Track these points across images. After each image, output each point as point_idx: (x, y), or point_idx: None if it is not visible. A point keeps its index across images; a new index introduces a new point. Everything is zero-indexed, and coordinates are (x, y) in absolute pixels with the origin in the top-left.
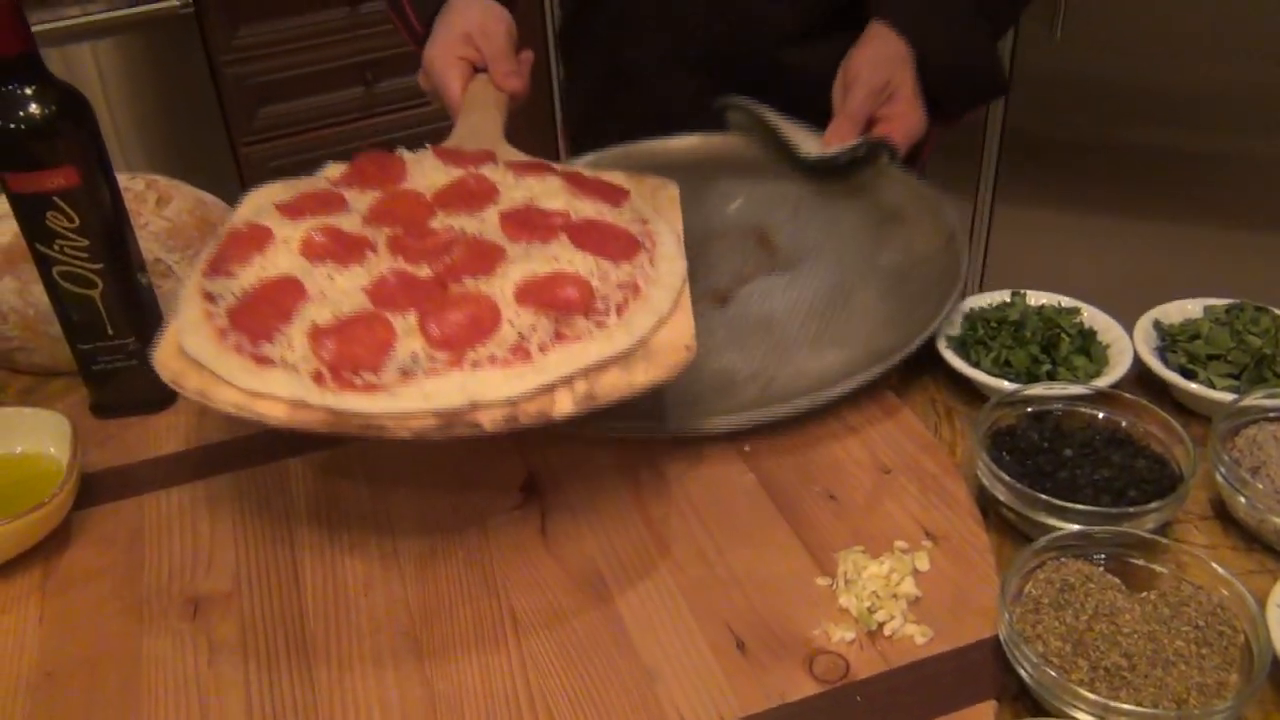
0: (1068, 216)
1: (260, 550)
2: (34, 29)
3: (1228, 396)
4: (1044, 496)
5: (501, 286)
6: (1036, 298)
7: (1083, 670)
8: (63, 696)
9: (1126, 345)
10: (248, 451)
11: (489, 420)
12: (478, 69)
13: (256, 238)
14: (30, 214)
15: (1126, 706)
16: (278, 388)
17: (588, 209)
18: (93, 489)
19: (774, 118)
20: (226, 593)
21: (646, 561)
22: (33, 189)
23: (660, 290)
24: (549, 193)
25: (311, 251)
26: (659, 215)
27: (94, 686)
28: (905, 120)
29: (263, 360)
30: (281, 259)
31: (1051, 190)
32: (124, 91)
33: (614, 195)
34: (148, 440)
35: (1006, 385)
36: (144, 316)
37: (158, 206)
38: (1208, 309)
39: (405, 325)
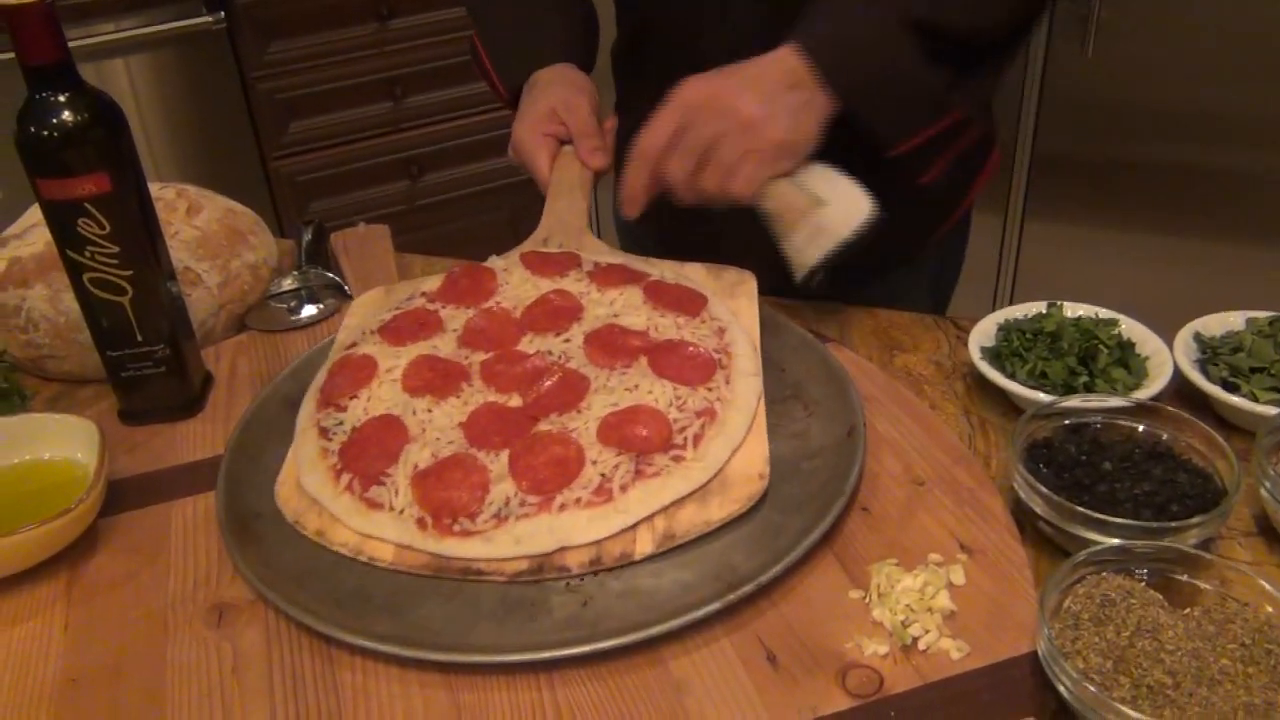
0: (1100, 232)
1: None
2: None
3: (1271, 410)
4: (1082, 510)
5: (585, 423)
6: (1074, 309)
7: (1125, 688)
8: (87, 704)
9: (1166, 358)
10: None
11: (575, 563)
12: (564, 142)
13: (364, 369)
14: (62, 220)
15: None
16: (387, 532)
17: (667, 325)
18: (119, 495)
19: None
20: (252, 600)
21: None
22: (65, 196)
23: (736, 413)
24: (630, 307)
25: (411, 386)
26: (737, 317)
27: (118, 694)
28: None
29: (373, 504)
30: (385, 393)
31: (1083, 206)
32: (157, 105)
33: (692, 305)
34: (175, 447)
35: (1043, 397)
36: (173, 324)
37: (188, 215)
38: (1250, 321)
39: (498, 467)
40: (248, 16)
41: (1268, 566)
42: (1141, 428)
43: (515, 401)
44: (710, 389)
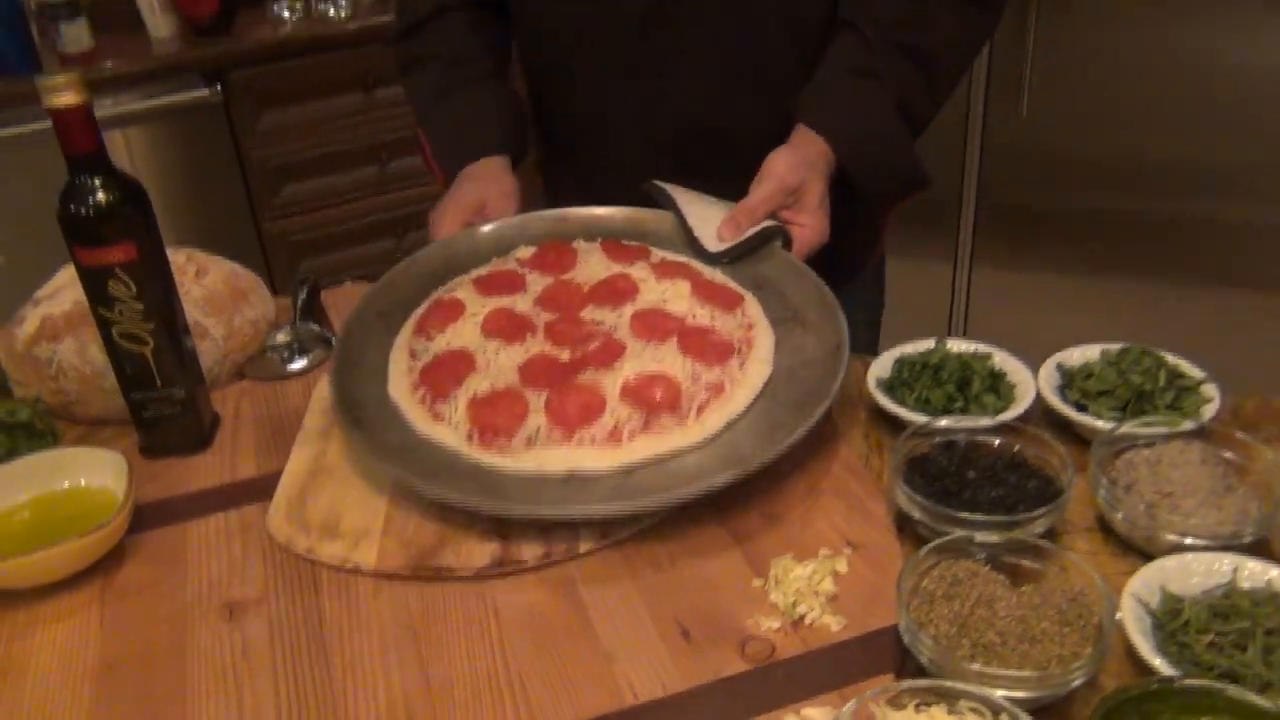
0: (1042, 275)
1: (284, 564)
2: None
3: (1110, 426)
4: (946, 510)
5: (613, 381)
6: (957, 345)
7: (964, 648)
8: (122, 683)
9: (1031, 385)
10: (270, 487)
11: (531, 557)
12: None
13: (454, 309)
14: (95, 283)
15: (999, 672)
16: (445, 439)
17: (704, 314)
18: (143, 516)
19: (686, 203)
20: (257, 598)
21: (610, 569)
22: (98, 263)
23: (741, 391)
24: (677, 296)
25: (487, 329)
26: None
27: (148, 675)
28: (807, 230)
29: (437, 416)
30: (466, 331)
31: (1024, 253)
32: (155, 173)
33: (730, 301)
34: (189, 477)
35: (923, 419)
36: (187, 370)
37: (197, 277)
38: (1104, 352)
39: (537, 404)
40: (243, 89)
41: (1102, 556)
42: (999, 442)
43: (565, 356)
44: (724, 369)
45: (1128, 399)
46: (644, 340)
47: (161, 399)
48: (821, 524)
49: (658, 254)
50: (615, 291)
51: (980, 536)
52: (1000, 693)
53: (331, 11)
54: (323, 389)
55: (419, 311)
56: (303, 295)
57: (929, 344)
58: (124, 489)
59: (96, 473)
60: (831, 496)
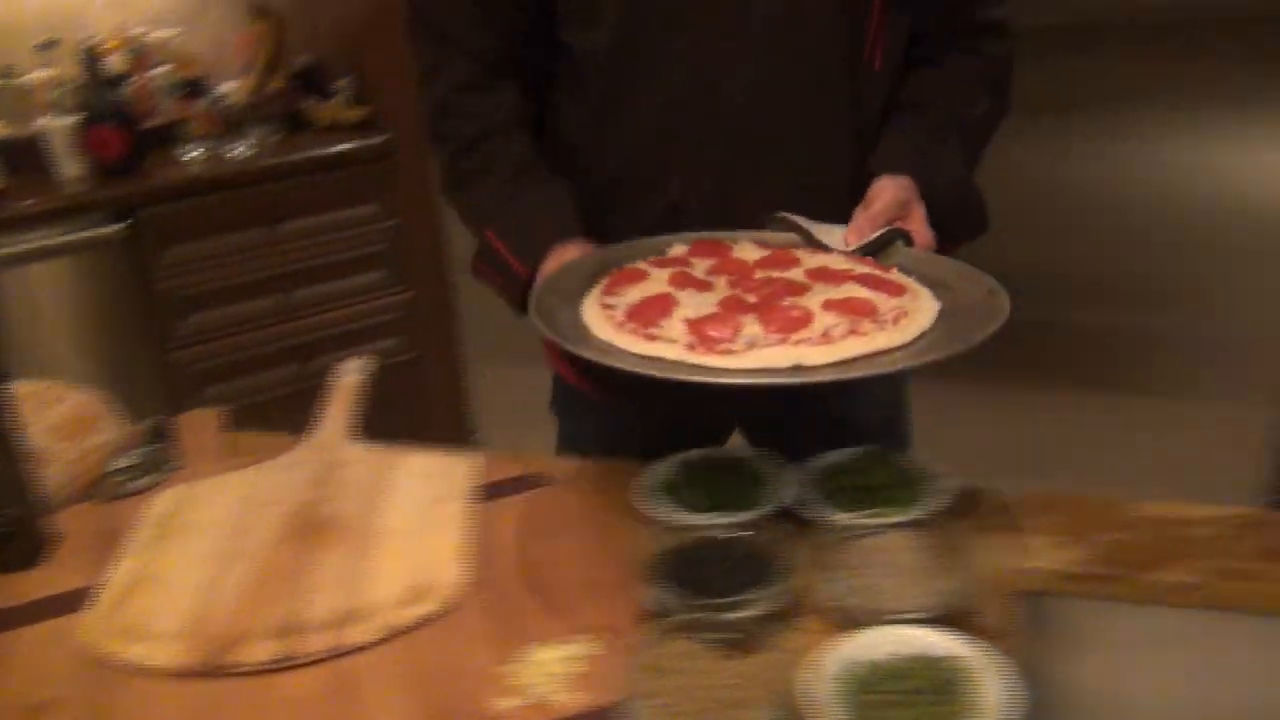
0: (975, 388)
1: (91, 668)
2: None
3: (848, 518)
4: (686, 599)
5: (811, 301)
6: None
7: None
8: None
9: (783, 482)
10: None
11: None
12: None
13: (637, 276)
14: None
15: None
16: (664, 352)
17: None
18: None
19: (807, 224)
20: (61, 700)
21: (384, 661)
22: None
23: (924, 314)
24: (837, 262)
25: (676, 283)
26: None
27: None
28: (921, 235)
29: (650, 337)
30: (657, 285)
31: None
32: (64, 306)
33: (893, 288)
34: (24, 588)
35: (687, 518)
36: (23, 493)
37: (51, 405)
38: (850, 454)
39: (749, 321)
40: (151, 225)
41: (823, 633)
42: (744, 536)
43: (752, 299)
44: (902, 301)
45: (861, 497)
46: (824, 283)
47: None
48: (587, 610)
49: (809, 260)
50: (780, 260)
51: (706, 617)
52: None
53: (237, 151)
54: (158, 504)
55: (600, 284)
56: (149, 423)
57: (705, 453)
58: None
59: None
60: (605, 588)
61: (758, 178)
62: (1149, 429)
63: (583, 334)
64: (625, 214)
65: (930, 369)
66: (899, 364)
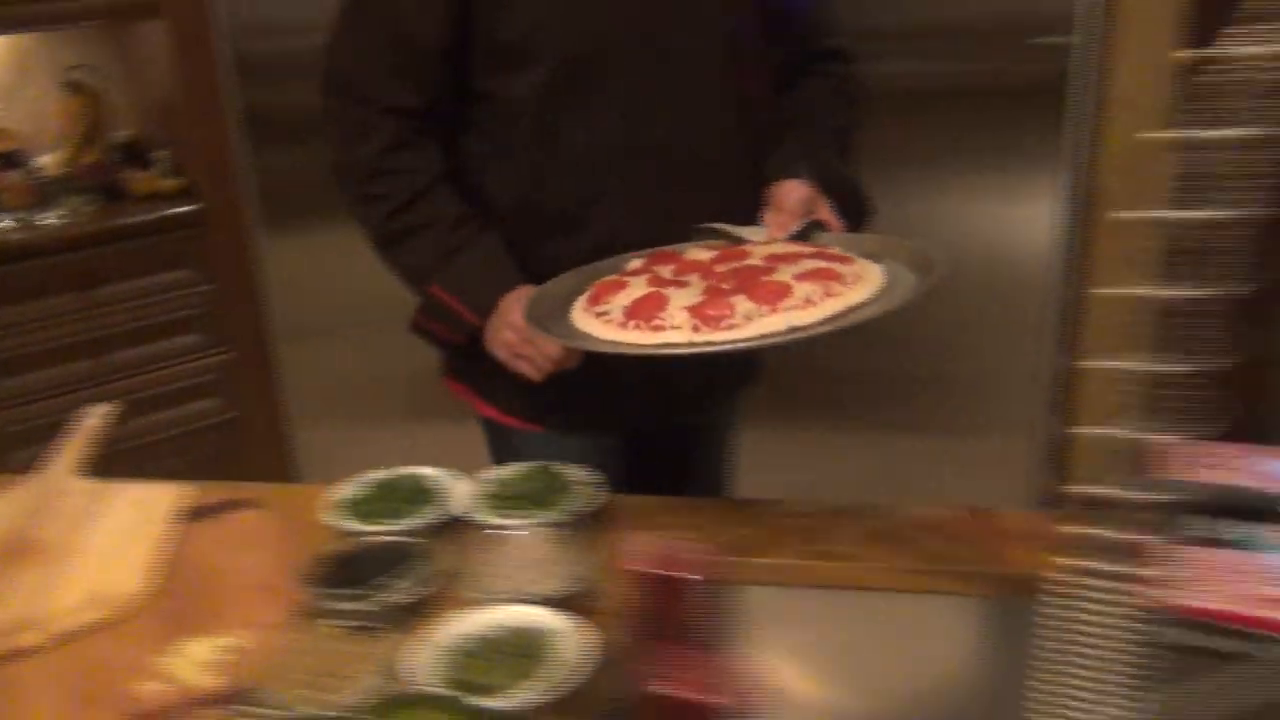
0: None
1: None
2: None
3: (513, 523)
4: (330, 592)
5: (783, 277)
6: (413, 470)
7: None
8: None
9: (455, 495)
10: None
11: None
12: None
13: (617, 286)
14: None
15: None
16: (674, 338)
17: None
18: None
19: (729, 230)
20: None
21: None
22: None
23: (875, 275)
24: (783, 248)
25: (655, 284)
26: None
27: None
28: (833, 223)
29: (658, 328)
30: (639, 290)
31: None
32: None
33: (841, 259)
34: None
35: (348, 525)
36: None
37: None
38: (515, 469)
39: (740, 300)
40: None
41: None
42: (407, 541)
43: (730, 285)
44: (853, 267)
45: (521, 502)
46: (783, 264)
47: None
48: (241, 611)
49: (757, 248)
50: (734, 254)
51: (342, 606)
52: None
53: (51, 220)
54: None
55: (581, 300)
56: None
57: (397, 472)
58: None
59: None
60: (257, 590)
61: (685, 206)
62: (927, 462)
63: (589, 340)
64: (549, 252)
65: (908, 310)
66: (881, 308)
